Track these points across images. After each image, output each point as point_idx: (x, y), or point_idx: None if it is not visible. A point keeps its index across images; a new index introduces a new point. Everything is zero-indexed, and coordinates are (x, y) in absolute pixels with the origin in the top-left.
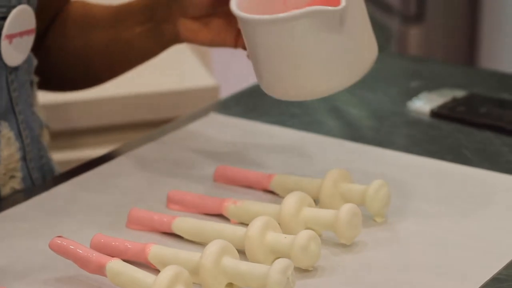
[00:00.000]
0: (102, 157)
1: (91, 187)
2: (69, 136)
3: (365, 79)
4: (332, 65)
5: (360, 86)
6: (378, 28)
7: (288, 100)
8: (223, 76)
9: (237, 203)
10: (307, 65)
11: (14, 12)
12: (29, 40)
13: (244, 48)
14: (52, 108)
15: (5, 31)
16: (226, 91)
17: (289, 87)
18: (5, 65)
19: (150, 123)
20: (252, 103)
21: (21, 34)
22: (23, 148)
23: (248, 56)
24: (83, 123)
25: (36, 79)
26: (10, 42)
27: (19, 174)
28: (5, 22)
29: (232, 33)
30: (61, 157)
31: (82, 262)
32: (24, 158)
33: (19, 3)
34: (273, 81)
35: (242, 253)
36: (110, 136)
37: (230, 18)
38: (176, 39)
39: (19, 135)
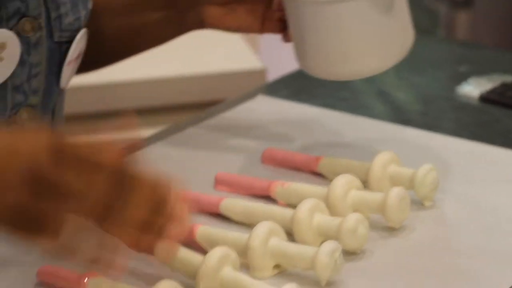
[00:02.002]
0: (148, 138)
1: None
2: (112, 117)
3: (413, 63)
4: (378, 45)
5: (408, 71)
6: (426, 13)
7: (332, 80)
8: (271, 59)
9: (285, 185)
10: (354, 45)
11: (78, 37)
12: (79, 60)
13: (271, 32)
14: (98, 89)
15: (69, 57)
16: (273, 74)
17: (335, 67)
18: (58, 88)
19: (197, 105)
20: (299, 86)
21: (78, 57)
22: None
23: (288, 38)
24: (130, 105)
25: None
26: (69, 67)
27: None
28: (68, 47)
29: (258, 18)
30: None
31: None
32: None
33: (80, 27)
34: (319, 61)
35: (289, 235)
36: (157, 118)
37: (256, 3)
38: (199, 26)
39: None
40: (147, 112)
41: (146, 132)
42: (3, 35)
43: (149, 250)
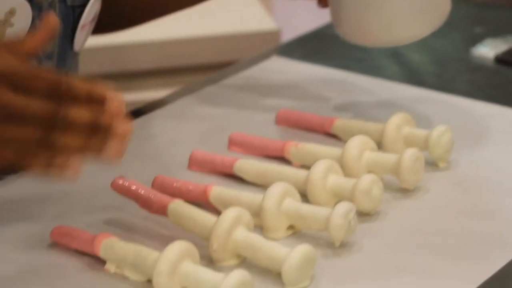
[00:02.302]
0: (162, 99)
1: (152, 128)
2: (128, 78)
3: None
4: (419, 11)
5: None
6: None
7: (367, 46)
8: (285, 19)
9: (299, 146)
10: (396, 11)
11: (91, 1)
12: (93, 24)
13: None
14: (111, 50)
15: (82, 21)
16: (288, 35)
17: (375, 34)
18: (72, 52)
19: (211, 67)
20: (314, 47)
21: (92, 20)
22: None
23: (324, 3)
24: (142, 66)
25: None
26: (83, 30)
27: None
28: (81, 11)
29: None
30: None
31: (144, 202)
32: None
33: None
34: (358, 28)
35: (303, 196)
36: (171, 79)
37: None
38: None
39: None
40: (161, 74)
41: (160, 93)
42: (12, 1)
43: (99, 151)
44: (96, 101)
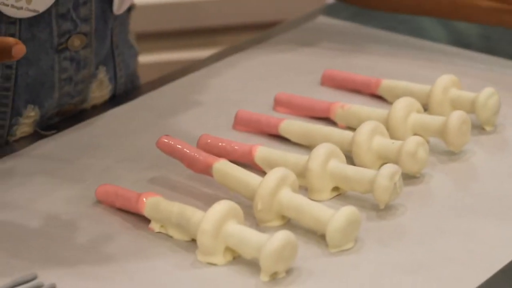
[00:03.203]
0: (207, 58)
1: (197, 87)
2: (175, 37)
3: None
4: None
5: None
6: None
7: None
8: None
9: (344, 107)
10: None
11: None
12: None
13: None
14: (157, 8)
15: None
16: None
17: None
18: (112, 13)
19: (257, 26)
20: (360, 8)
21: None
22: (114, 89)
23: None
24: (189, 24)
25: (133, 6)
26: None
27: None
28: None
29: None
30: (165, 58)
31: (189, 162)
32: (113, 96)
33: None
34: None
35: (349, 157)
36: (216, 38)
37: None
38: None
39: (113, 77)
40: (206, 33)
41: (206, 52)
42: None
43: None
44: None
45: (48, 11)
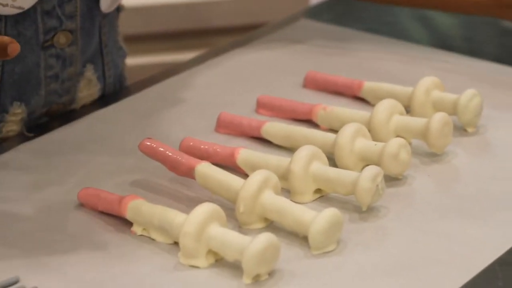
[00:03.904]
0: (189, 61)
1: (179, 90)
2: (155, 40)
3: None
4: None
5: None
6: None
7: None
8: None
9: (327, 109)
10: None
11: None
12: None
13: None
14: (136, 11)
15: None
16: None
17: None
18: (99, 12)
19: (239, 28)
20: (342, 10)
21: None
22: (103, 88)
23: None
24: (170, 27)
25: (122, 7)
26: None
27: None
28: None
29: None
30: (145, 61)
31: (171, 164)
32: (102, 95)
33: None
34: None
35: (331, 159)
36: (198, 41)
37: None
38: None
39: (102, 77)
40: (188, 35)
41: (188, 55)
42: None
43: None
44: None
45: (33, 8)
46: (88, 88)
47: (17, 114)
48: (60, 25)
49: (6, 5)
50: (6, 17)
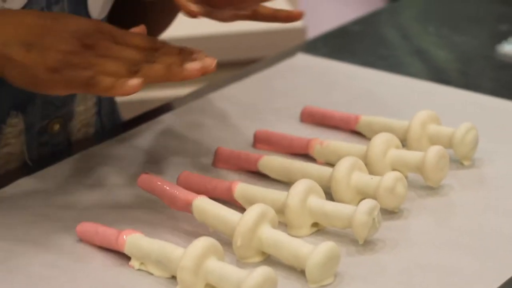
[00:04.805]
0: (187, 95)
1: (177, 125)
2: None
3: (453, 21)
4: None
5: (448, 29)
6: None
7: None
8: (310, 17)
9: (323, 143)
10: None
11: None
12: None
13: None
14: None
15: None
16: (313, 33)
17: None
18: (89, 17)
19: (237, 63)
20: (339, 44)
21: None
22: (98, 103)
23: None
24: None
25: None
26: None
27: (92, 130)
28: None
29: None
30: (145, 95)
31: (169, 199)
32: (99, 113)
33: None
34: None
35: (328, 193)
36: None
37: None
38: None
39: None
40: None
41: (186, 90)
42: None
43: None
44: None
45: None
46: (84, 102)
47: (15, 125)
48: None
49: None
50: None
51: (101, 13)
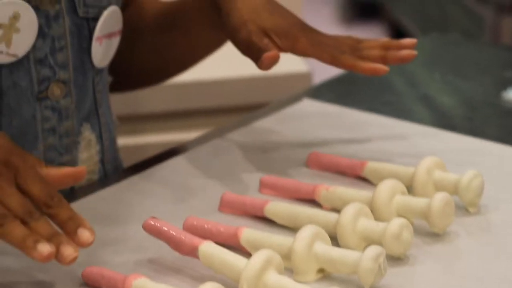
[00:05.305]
0: (193, 141)
1: (182, 170)
2: (158, 119)
3: (458, 68)
4: None
5: (453, 75)
6: (472, 17)
7: None
8: (316, 62)
9: (329, 189)
10: None
11: (105, 13)
12: (116, 41)
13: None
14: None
15: (96, 33)
16: (319, 77)
17: None
18: (92, 66)
19: (242, 108)
20: (344, 90)
21: (109, 35)
22: (102, 151)
23: None
24: (173, 107)
25: (109, 78)
26: (100, 44)
27: (95, 177)
28: (96, 24)
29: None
30: (149, 140)
31: (175, 244)
32: (102, 161)
33: (109, 4)
34: None
35: (334, 239)
36: (201, 120)
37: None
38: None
39: (99, 138)
40: (191, 115)
41: (189, 135)
42: (14, 5)
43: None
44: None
45: (26, 57)
46: (88, 149)
47: None
48: (54, 75)
49: (1, 52)
50: (1, 67)
51: (104, 61)
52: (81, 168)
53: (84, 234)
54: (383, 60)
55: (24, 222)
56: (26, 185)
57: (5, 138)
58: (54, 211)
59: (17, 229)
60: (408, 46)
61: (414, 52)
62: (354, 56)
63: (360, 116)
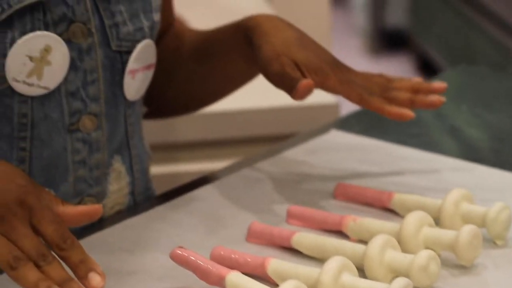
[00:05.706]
0: (222, 170)
1: (211, 200)
2: (187, 149)
3: (486, 100)
4: None
5: (481, 107)
6: (499, 48)
7: None
8: None
9: (356, 220)
10: None
11: (139, 47)
12: (149, 74)
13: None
14: (172, 120)
15: (129, 66)
16: (347, 109)
17: None
18: (125, 99)
19: (270, 138)
20: (372, 122)
21: (143, 69)
22: (132, 183)
23: None
24: (201, 136)
25: (144, 109)
26: (133, 77)
27: (125, 208)
28: (129, 57)
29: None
30: (181, 169)
31: (202, 273)
32: (132, 192)
33: (143, 37)
34: None
35: (361, 270)
36: (229, 150)
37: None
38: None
39: (130, 169)
40: (219, 144)
41: (219, 164)
42: (46, 38)
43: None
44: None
45: (58, 89)
46: (118, 181)
47: None
48: (85, 108)
49: (32, 84)
50: (33, 98)
51: (136, 94)
52: (97, 206)
53: (95, 279)
54: (411, 103)
55: (37, 265)
56: (40, 225)
57: (24, 177)
58: (66, 254)
59: (30, 273)
60: (437, 90)
61: (443, 98)
62: (382, 97)
63: (388, 148)
